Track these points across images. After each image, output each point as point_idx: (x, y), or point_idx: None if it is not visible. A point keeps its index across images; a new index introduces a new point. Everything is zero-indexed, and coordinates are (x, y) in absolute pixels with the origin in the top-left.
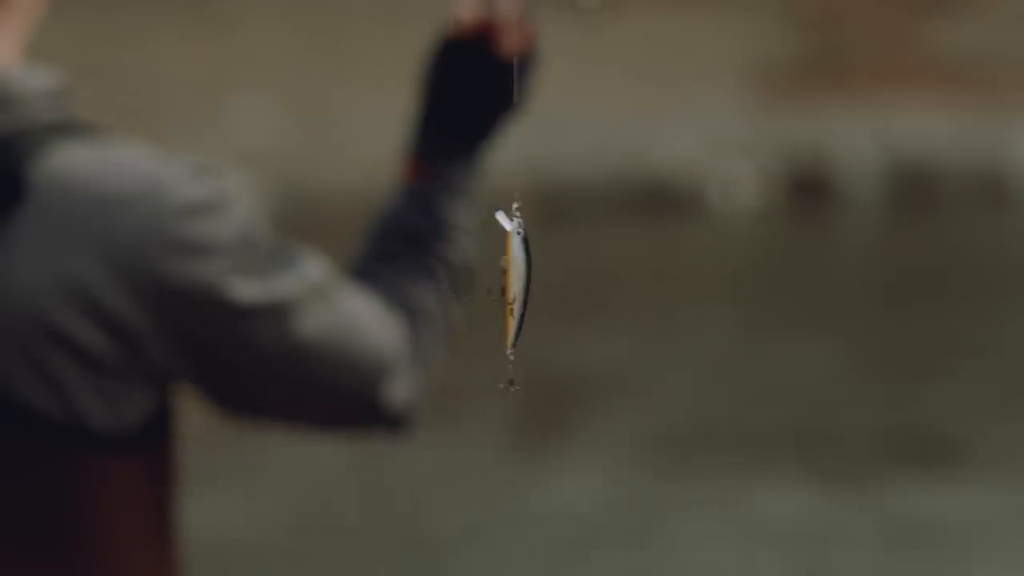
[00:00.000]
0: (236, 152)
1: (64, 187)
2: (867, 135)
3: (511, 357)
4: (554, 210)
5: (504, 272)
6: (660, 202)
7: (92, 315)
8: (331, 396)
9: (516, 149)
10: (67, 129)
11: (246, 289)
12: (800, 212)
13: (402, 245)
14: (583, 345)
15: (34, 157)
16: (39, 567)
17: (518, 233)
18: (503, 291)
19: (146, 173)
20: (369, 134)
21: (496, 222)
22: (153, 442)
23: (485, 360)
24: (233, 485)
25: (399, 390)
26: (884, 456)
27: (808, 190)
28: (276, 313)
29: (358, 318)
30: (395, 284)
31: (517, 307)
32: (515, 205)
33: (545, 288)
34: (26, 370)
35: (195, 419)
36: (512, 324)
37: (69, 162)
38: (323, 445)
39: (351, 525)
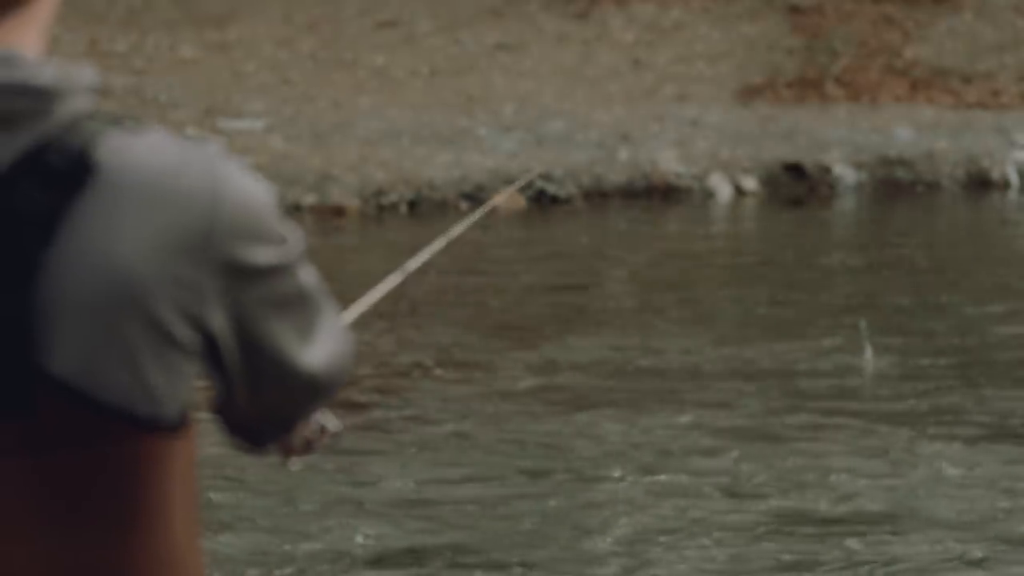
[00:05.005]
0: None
1: (131, 168)
2: (864, 135)
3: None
4: (552, 208)
5: None
6: (658, 200)
7: (175, 295)
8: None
9: (516, 148)
10: (108, 118)
11: (273, 255)
12: (798, 211)
13: None
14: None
15: (96, 140)
16: (106, 546)
17: None
18: None
19: (200, 156)
20: (366, 144)
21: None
22: (190, 422)
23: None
24: None
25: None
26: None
27: (805, 189)
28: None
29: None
30: None
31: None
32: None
33: (547, 287)
34: (110, 347)
35: None
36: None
37: (127, 144)
38: None
39: None
